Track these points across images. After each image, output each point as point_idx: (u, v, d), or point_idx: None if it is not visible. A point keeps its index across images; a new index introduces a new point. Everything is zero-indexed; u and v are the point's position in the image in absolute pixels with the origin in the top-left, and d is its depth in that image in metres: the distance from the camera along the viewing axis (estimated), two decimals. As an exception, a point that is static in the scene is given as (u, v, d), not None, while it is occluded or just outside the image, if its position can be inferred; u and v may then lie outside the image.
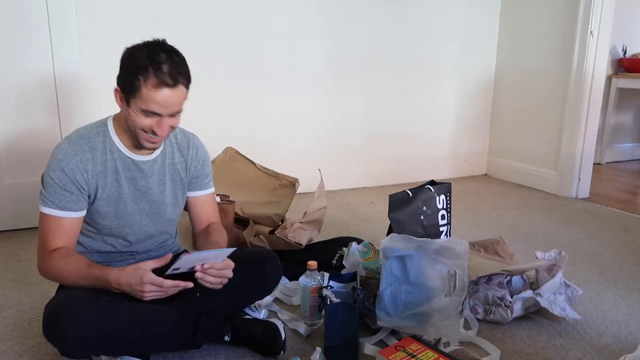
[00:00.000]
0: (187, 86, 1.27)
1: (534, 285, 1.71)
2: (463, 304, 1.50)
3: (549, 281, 1.61)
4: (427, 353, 1.35)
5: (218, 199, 2.10)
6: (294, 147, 3.04)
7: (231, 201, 2.16)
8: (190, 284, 1.21)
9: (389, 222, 1.81)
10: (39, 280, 1.83)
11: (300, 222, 2.00)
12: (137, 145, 1.31)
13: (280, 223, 2.21)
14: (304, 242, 1.94)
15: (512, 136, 3.52)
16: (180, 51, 1.26)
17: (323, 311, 1.46)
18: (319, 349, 1.31)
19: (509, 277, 1.68)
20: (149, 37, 1.25)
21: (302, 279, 1.54)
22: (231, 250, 1.25)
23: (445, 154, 3.58)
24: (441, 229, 1.92)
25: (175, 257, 1.23)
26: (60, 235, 1.28)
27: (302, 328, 1.53)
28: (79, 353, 1.20)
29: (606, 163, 4.18)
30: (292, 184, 2.39)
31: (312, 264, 1.53)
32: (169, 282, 1.19)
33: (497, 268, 1.68)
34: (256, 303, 1.62)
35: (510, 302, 1.58)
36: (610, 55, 3.91)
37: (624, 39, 3.96)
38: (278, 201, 2.33)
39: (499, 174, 3.65)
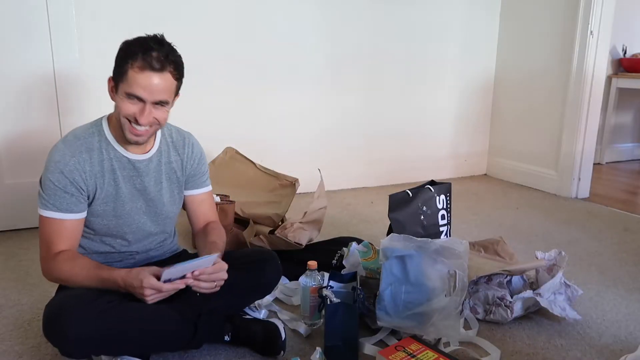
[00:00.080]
0: (175, 77, 1.26)
1: (534, 285, 1.71)
2: (463, 304, 1.50)
3: (549, 281, 1.61)
4: (427, 353, 1.35)
5: (218, 199, 2.10)
6: (294, 147, 3.04)
7: (231, 201, 2.16)
8: (191, 280, 1.21)
9: (389, 222, 1.81)
10: (39, 280, 1.83)
11: (300, 222, 2.00)
12: (124, 139, 1.30)
13: (280, 223, 2.21)
14: (304, 242, 1.94)
15: (512, 136, 3.52)
16: (177, 48, 1.27)
17: (323, 311, 1.46)
18: (319, 349, 1.31)
19: (509, 277, 1.68)
20: (149, 37, 1.25)
21: (302, 279, 1.54)
22: (214, 256, 1.24)
23: (445, 154, 3.57)
24: (441, 229, 1.92)
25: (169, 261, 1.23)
26: (64, 237, 1.28)
27: (302, 328, 1.53)
28: (79, 353, 1.19)
29: (606, 163, 4.18)
30: (292, 184, 2.39)
31: (312, 264, 1.53)
32: (167, 286, 1.19)
33: (497, 268, 1.68)
34: (256, 303, 1.62)
35: (510, 302, 1.58)
36: (610, 55, 3.91)
37: (624, 39, 3.96)
38: (278, 201, 2.33)
39: (499, 174, 3.65)
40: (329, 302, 1.42)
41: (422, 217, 1.86)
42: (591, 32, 2.90)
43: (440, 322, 1.42)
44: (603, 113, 3.85)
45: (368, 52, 3.13)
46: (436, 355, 1.34)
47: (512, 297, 1.60)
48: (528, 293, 1.59)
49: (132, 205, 1.37)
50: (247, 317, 1.53)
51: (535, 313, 1.65)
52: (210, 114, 2.75)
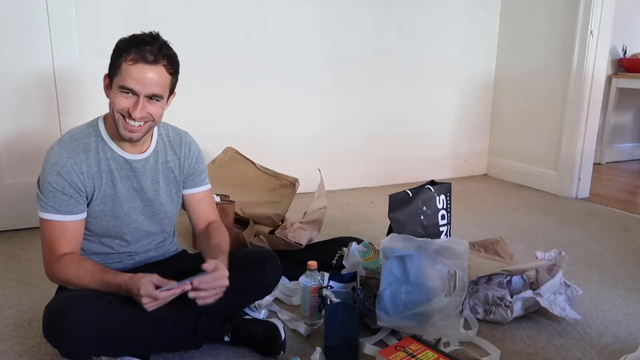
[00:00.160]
0: (170, 71, 1.26)
1: (534, 285, 1.71)
2: (463, 304, 1.50)
3: (549, 281, 1.61)
4: (427, 353, 1.35)
5: (218, 199, 2.10)
6: (294, 147, 3.04)
7: (231, 201, 2.16)
8: (189, 286, 1.20)
9: (389, 222, 1.81)
10: (39, 280, 1.83)
11: (300, 222, 2.00)
12: (119, 136, 1.29)
13: (280, 223, 2.21)
14: (304, 242, 1.94)
15: (512, 136, 3.52)
16: (172, 45, 1.27)
17: (323, 311, 1.46)
18: (319, 349, 1.31)
19: (509, 277, 1.68)
20: (148, 36, 1.26)
21: (302, 279, 1.54)
22: (208, 274, 1.22)
23: (445, 154, 3.57)
24: (441, 229, 1.92)
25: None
26: (66, 240, 1.28)
27: (302, 328, 1.53)
28: (79, 353, 1.19)
29: (606, 163, 4.18)
30: (292, 184, 2.39)
31: (312, 264, 1.53)
32: (164, 294, 1.18)
33: (497, 268, 1.68)
34: (256, 303, 1.62)
35: (510, 302, 1.58)
36: (610, 55, 3.91)
37: (624, 39, 3.96)
38: (278, 201, 2.33)
39: (499, 174, 3.65)
40: (329, 302, 1.42)
41: (422, 217, 1.86)
42: (591, 32, 2.90)
43: (440, 322, 1.42)
44: (603, 113, 3.85)
45: (368, 52, 3.13)
46: (436, 355, 1.34)
47: (512, 297, 1.60)
48: (528, 293, 1.59)
49: (130, 206, 1.36)
50: (247, 317, 1.53)
51: (535, 313, 1.65)
52: (210, 114, 2.75)
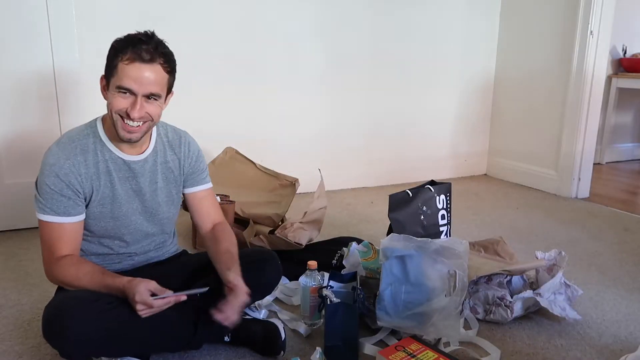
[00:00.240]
0: (166, 70, 1.25)
1: (534, 285, 1.71)
2: (463, 304, 1.50)
3: (549, 281, 1.61)
4: (427, 353, 1.35)
5: (218, 199, 2.10)
6: (294, 147, 3.04)
7: (231, 201, 2.16)
8: (184, 297, 1.21)
9: (389, 222, 1.81)
10: (39, 280, 1.83)
11: (300, 222, 2.00)
12: (118, 139, 1.28)
13: (280, 223, 2.21)
14: (304, 242, 1.94)
15: (512, 136, 3.52)
16: (168, 44, 1.27)
17: (323, 311, 1.46)
18: (319, 349, 1.31)
19: (509, 277, 1.68)
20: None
21: (302, 279, 1.54)
22: (205, 289, 1.24)
23: (445, 154, 3.57)
24: (441, 229, 1.92)
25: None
26: (65, 241, 1.28)
27: (302, 328, 1.53)
28: (79, 354, 1.19)
29: (606, 163, 4.18)
30: (292, 184, 2.39)
31: (312, 264, 1.53)
32: (158, 302, 1.18)
33: (497, 268, 1.68)
34: (256, 303, 1.62)
35: (510, 302, 1.58)
36: (610, 55, 3.91)
37: (624, 39, 3.96)
38: (278, 201, 2.33)
39: (499, 174, 3.65)
40: (329, 302, 1.42)
41: (422, 217, 1.86)
42: (591, 32, 2.90)
43: (440, 322, 1.42)
44: (603, 113, 3.85)
45: (368, 52, 3.12)
46: (436, 355, 1.34)
47: (512, 297, 1.60)
48: (528, 293, 1.59)
49: (129, 207, 1.36)
50: (247, 317, 1.53)
51: (535, 313, 1.65)
52: (210, 114, 2.75)
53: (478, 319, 1.60)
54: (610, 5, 2.89)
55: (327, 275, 1.62)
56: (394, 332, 1.51)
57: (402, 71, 3.26)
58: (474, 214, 2.78)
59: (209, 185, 1.52)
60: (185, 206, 1.53)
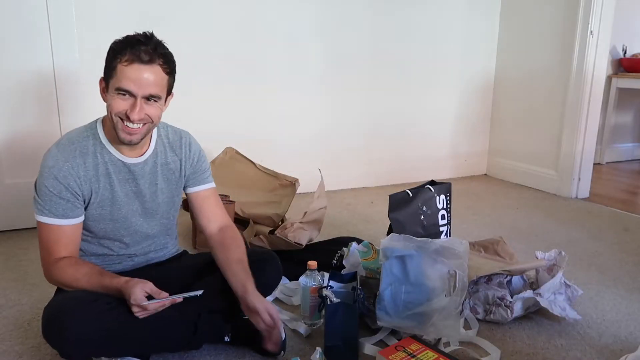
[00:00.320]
0: (166, 71, 1.24)
1: (534, 285, 1.71)
2: (463, 304, 1.50)
3: (549, 281, 1.61)
4: (427, 353, 1.35)
5: (218, 199, 2.10)
6: (294, 147, 3.04)
7: (231, 201, 2.15)
8: (179, 299, 1.21)
9: (389, 222, 1.81)
10: (39, 280, 1.83)
11: (300, 222, 2.00)
12: (119, 141, 1.27)
13: (280, 223, 2.21)
14: (304, 242, 1.94)
15: (512, 136, 3.52)
16: (167, 44, 1.26)
17: (323, 311, 1.46)
18: (319, 349, 1.31)
19: (509, 277, 1.68)
20: (148, 37, 1.25)
21: (302, 279, 1.54)
22: (200, 292, 1.24)
23: (445, 154, 3.57)
24: (441, 229, 1.92)
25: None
26: (63, 243, 1.28)
27: (302, 328, 1.53)
28: (78, 354, 1.19)
29: (606, 163, 4.18)
30: (292, 184, 2.39)
31: (312, 264, 1.53)
32: (154, 305, 1.18)
33: (497, 268, 1.68)
34: (256, 303, 1.62)
35: (510, 302, 1.58)
36: (610, 55, 3.91)
37: (624, 39, 3.96)
38: (278, 201, 2.33)
39: (499, 174, 3.65)
40: (329, 302, 1.42)
41: (422, 217, 1.86)
42: (591, 32, 2.90)
43: (440, 322, 1.42)
44: (603, 113, 3.85)
45: (368, 52, 3.12)
46: (436, 355, 1.34)
47: (512, 297, 1.60)
48: (528, 293, 1.59)
49: (129, 209, 1.36)
50: (247, 317, 1.53)
51: (535, 313, 1.65)
52: (210, 114, 2.75)
53: (478, 319, 1.60)
54: (610, 5, 2.89)
55: (327, 275, 1.62)
56: (394, 332, 1.51)
57: (402, 71, 3.26)
58: (474, 214, 2.78)
59: (212, 185, 1.50)
60: (185, 206, 1.53)
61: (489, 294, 1.61)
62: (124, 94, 1.21)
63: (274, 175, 2.46)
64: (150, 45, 1.20)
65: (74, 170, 1.26)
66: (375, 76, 3.19)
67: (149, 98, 1.23)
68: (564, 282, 1.65)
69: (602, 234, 2.47)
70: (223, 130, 2.75)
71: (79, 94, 2.36)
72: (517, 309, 1.59)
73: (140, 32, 1.24)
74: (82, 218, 1.31)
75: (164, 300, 1.19)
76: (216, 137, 2.60)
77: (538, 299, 1.57)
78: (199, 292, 1.23)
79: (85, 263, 1.31)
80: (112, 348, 1.23)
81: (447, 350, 1.42)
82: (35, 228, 1.30)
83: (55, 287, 1.37)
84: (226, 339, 1.42)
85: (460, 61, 3.45)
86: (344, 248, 1.84)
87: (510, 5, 3.43)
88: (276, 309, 1.34)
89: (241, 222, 2.21)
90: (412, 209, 1.84)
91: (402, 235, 1.53)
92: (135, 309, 1.17)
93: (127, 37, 1.22)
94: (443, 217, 1.93)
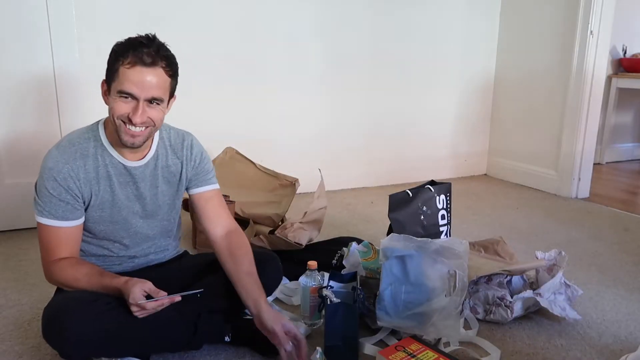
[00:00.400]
0: (168, 73, 1.23)
1: (534, 285, 1.71)
2: (463, 304, 1.50)
3: (549, 281, 1.61)
4: (427, 353, 1.35)
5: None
6: (294, 147, 3.04)
7: (231, 201, 2.15)
8: (178, 298, 1.20)
9: (389, 222, 1.81)
10: (39, 280, 1.83)
11: (300, 222, 2.00)
12: (120, 144, 1.27)
13: (280, 223, 2.21)
14: (304, 242, 1.94)
15: (512, 136, 3.52)
16: (170, 47, 1.25)
17: (323, 311, 1.46)
18: (319, 349, 1.31)
19: (509, 277, 1.68)
20: (148, 37, 1.25)
21: (302, 279, 1.54)
22: (199, 291, 1.24)
23: (445, 154, 3.57)
24: (441, 229, 1.92)
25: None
26: (63, 245, 1.28)
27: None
28: (78, 354, 1.19)
29: (606, 163, 4.18)
30: (292, 184, 2.39)
31: (312, 264, 1.53)
32: (152, 304, 1.18)
33: (497, 268, 1.68)
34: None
35: (510, 302, 1.58)
36: (610, 55, 3.91)
37: (624, 39, 3.96)
38: (278, 201, 2.33)
39: (499, 174, 3.65)
40: (329, 302, 1.42)
41: (422, 217, 1.86)
42: (591, 32, 2.90)
43: (440, 322, 1.42)
44: (603, 113, 3.85)
45: (368, 52, 3.12)
46: (436, 355, 1.34)
47: (512, 297, 1.60)
48: (528, 293, 1.59)
49: (129, 211, 1.35)
50: (248, 317, 1.52)
51: (535, 313, 1.65)
52: (210, 114, 2.75)
53: (478, 319, 1.60)
54: (610, 5, 2.89)
55: (327, 275, 1.62)
56: (394, 332, 1.51)
57: (402, 71, 3.26)
58: (474, 214, 2.78)
59: (216, 186, 1.48)
60: (185, 206, 1.53)
61: (489, 294, 1.61)
62: (126, 97, 1.20)
63: (274, 175, 2.46)
64: (152, 47, 1.20)
65: (74, 172, 1.26)
66: (375, 76, 3.19)
67: (151, 101, 1.22)
68: (564, 282, 1.65)
69: (602, 234, 2.47)
70: (223, 130, 2.75)
71: (79, 94, 2.36)
72: (517, 309, 1.59)
73: (143, 34, 1.23)
74: (82, 220, 1.30)
75: (162, 299, 1.19)
76: (216, 137, 2.60)
77: (538, 299, 1.57)
78: (199, 291, 1.23)
79: (86, 263, 1.31)
80: (112, 348, 1.23)
81: (447, 350, 1.42)
82: (35, 228, 1.30)
83: (55, 287, 1.37)
84: (226, 339, 1.42)
85: (460, 61, 3.45)
86: (344, 248, 1.84)
87: (510, 5, 3.43)
88: (294, 327, 1.30)
89: (241, 222, 2.20)
90: (412, 209, 1.84)
91: (402, 235, 1.53)
92: (134, 309, 1.17)
93: (130, 39, 1.21)
94: (443, 217, 1.93)
